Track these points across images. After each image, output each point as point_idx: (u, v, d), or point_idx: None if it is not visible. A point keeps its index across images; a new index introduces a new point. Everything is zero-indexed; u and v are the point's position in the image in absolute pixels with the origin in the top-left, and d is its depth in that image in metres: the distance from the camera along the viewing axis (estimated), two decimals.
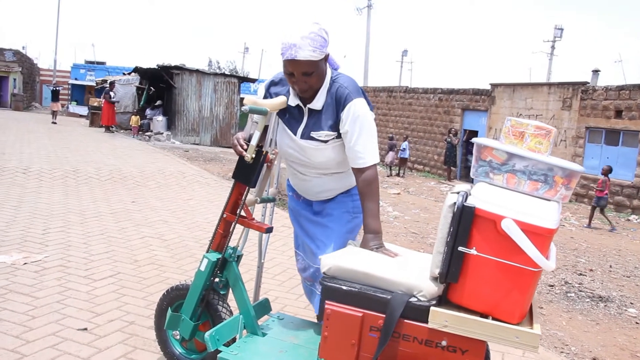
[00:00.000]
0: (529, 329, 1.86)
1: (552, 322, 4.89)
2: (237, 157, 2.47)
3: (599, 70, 17.42)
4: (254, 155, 2.35)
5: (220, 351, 2.34)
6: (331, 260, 2.13)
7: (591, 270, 7.15)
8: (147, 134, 19.33)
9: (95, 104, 24.39)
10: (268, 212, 2.82)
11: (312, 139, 2.45)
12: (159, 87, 21.01)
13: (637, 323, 5.11)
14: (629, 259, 8.32)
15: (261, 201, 2.64)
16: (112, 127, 20.85)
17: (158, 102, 20.77)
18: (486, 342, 1.95)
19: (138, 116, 20.26)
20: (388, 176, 18.16)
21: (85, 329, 3.15)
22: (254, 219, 2.51)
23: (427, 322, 1.93)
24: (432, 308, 1.92)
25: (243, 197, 2.50)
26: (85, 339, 3.01)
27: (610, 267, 7.52)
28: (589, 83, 16.25)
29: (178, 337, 2.60)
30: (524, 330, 1.84)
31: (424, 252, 3.39)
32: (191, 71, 19.75)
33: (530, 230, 1.82)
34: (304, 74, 2.33)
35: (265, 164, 2.49)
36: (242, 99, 22.61)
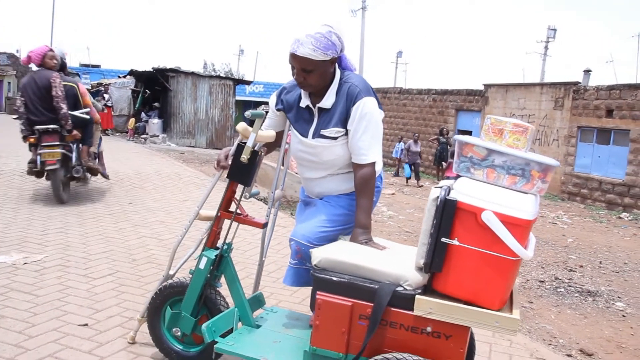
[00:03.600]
0: (508, 314, 1.98)
1: (541, 316, 5.01)
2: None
3: (591, 71, 17.61)
4: (249, 156, 2.46)
5: (217, 342, 2.44)
6: (322, 253, 2.24)
7: (581, 266, 7.28)
8: (142, 136, 19.40)
9: None
10: (273, 211, 2.93)
11: (323, 136, 2.57)
12: (155, 89, 21.07)
13: (623, 316, 5.24)
14: (619, 255, 8.46)
15: (250, 196, 2.76)
16: (108, 130, 20.92)
17: (156, 104, 20.84)
18: (469, 328, 2.07)
19: (134, 118, 20.34)
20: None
21: (86, 324, 3.24)
22: (247, 215, 2.62)
23: (412, 309, 2.04)
24: (417, 296, 2.03)
25: (239, 195, 2.61)
26: (86, 334, 3.11)
27: (600, 263, 7.65)
28: (580, 83, 16.42)
29: (179, 333, 2.69)
30: (504, 315, 1.96)
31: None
32: (186, 74, 19.84)
33: (509, 222, 1.94)
34: (302, 70, 2.48)
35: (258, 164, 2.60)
36: (237, 101, 22.70)
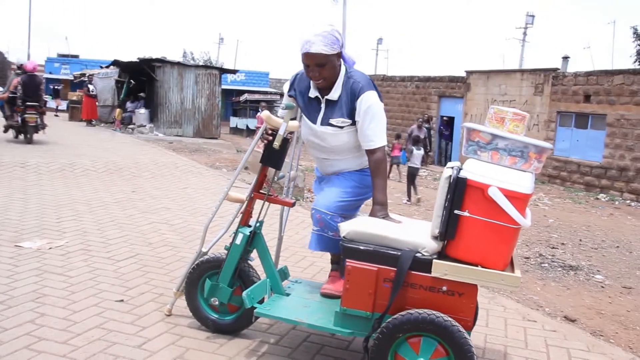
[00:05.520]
0: (511, 273, 2.35)
1: (528, 288, 5.42)
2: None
3: (569, 57, 18.15)
4: (280, 143, 2.79)
5: (255, 308, 2.78)
6: (349, 226, 2.58)
7: (563, 244, 7.74)
8: (129, 126, 19.49)
9: (75, 97, 24.43)
10: (290, 192, 3.28)
11: (330, 125, 2.92)
12: (139, 79, 21.12)
13: (602, 287, 5.68)
14: (597, 233, 8.97)
15: (278, 179, 3.10)
16: (93, 121, 20.97)
17: (141, 94, 20.90)
18: (477, 286, 2.43)
19: (120, 109, 20.41)
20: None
21: (122, 300, 3.55)
22: (277, 195, 2.95)
23: (430, 272, 2.40)
24: (434, 261, 2.39)
25: (270, 178, 2.95)
26: (124, 308, 3.42)
27: (580, 240, 8.13)
28: (559, 69, 16.93)
29: (217, 303, 3.02)
30: (508, 274, 2.33)
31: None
32: (172, 64, 19.93)
33: (511, 195, 2.30)
34: (317, 65, 2.82)
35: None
36: (222, 90, 22.84)
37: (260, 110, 16.39)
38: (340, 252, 2.61)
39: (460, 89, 20.25)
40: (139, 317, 3.32)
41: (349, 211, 2.95)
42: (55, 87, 31.73)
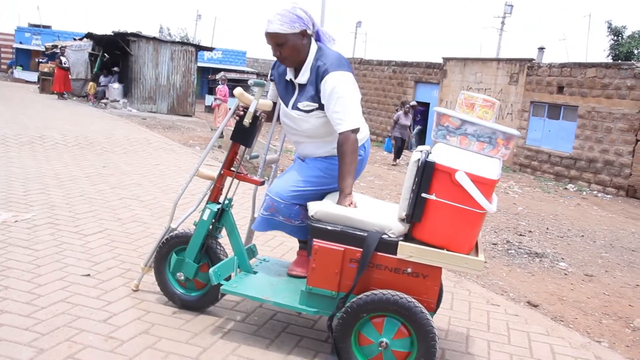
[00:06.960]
0: (475, 257, 2.39)
1: (494, 274, 5.53)
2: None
3: (544, 48, 18.33)
4: (251, 121, 2.77)
5: (222, 284, 2.79)
6: (317, 207, 2.60)
7: (530, 231, 7.90)
8: (102, 101, 19.14)
9: (46, 69, 23.84)
10: (272, 175, 3.28)
11: (298, 109, 2.87)
12: (114, 53, 20.71)
13: (565, 274, 5.83)
14: (564, 222, 9.16)
15: (250, 158, 3.08)
16: (65, 94, 20.52)
17: (115, 69, 20.51)
18: (442, 269, 2.47)
19: (94, 83, 20.02)
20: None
21: (89, 274, 3.52)
22: (247, 173, 2.94)
23: (396, 254, 2.43)
24: (400, 243, 2.42)
25: (239, 156, 2.93)
26: (90, 283, 3.40)
27: (547, 229, 8.30)
28: (534, 60, 17.11)
29: (182, 277, 3.02)
30: (471, 258, 2.37)
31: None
32: (148, 39, 19.55)
33: (478, 180, 2.34)
34: (277, 45, 2.77)
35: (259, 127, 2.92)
36: (198, 67, 22.56)
37: (220, 82, 16.16)
38: (307, 232, 2.62)
39: (436, 75, 20.35)
40: (105, 291, 3.30)
41: (308, 200, 2.83)
42: (40, 60, 31.62)
